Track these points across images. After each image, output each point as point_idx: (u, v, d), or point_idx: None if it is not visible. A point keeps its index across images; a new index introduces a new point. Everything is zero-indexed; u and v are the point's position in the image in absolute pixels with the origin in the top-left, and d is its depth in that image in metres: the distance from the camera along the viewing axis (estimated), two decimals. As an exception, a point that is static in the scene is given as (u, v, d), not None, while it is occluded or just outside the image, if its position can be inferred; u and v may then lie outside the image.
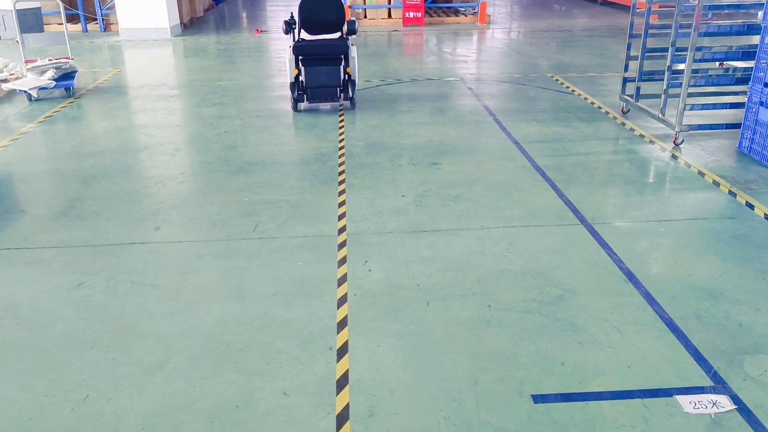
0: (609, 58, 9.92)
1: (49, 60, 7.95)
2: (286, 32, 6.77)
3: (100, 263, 3.85)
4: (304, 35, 7.15)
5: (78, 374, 2.86)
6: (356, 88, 7.17)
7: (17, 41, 11.52)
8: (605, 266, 3.75)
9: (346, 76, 6.92)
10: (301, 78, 6.79)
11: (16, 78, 8.01)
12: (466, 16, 14.46)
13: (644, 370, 2.86)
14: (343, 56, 6.82)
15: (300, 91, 6.83)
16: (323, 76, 6.76)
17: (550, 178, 5.05)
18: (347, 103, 7.09)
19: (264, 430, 2.54)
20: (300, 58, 6.73)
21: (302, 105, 7.04)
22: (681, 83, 5.67)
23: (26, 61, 8.00)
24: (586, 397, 2.71)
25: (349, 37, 6.98)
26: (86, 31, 13.40)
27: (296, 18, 6.91)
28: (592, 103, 7.27)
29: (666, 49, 5.98)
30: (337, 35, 7.14)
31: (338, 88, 6.84)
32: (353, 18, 6.88)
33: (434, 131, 6.30)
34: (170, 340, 3.10)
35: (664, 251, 3.92)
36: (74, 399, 2.71)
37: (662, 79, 6.02)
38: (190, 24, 14.21)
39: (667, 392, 2.72)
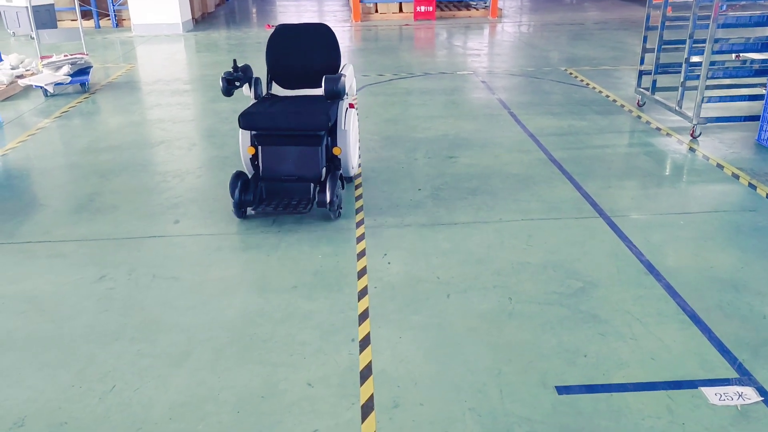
0: (622, 51, 9.86)
1: (64, 56, 8.00)
2: (226, 92, 4.25)
3: (121, 256, 3.87)
4: (278, 89, 4.73)
5: (104, 365, 2.89)
6: (353, 153, 4.55)
7: (31, 37, 11.62)
8: (625, 258, 3.73)
9: (332, 163, 4.37)
10: (259, 162, 4.28)
11: (32, 74, 8.06)
12: (477, 9, 14.41)
13: (668, 361, 2.86)
14: (323, 131, 4.19)
15: (247, 187, 4.15)
16: (289, 162, 4.18)
17: (567, 171, 5.04)
18: (330, 211, 4.21)
19: (290, 420, 2.56)
20: (252, 132, 4.23)
21: (253, 210, 4.21)
22: (698, 75, 5.63)
23: (42, 57, 8.05)
24: (610, 388, 2.71)
25: (343, 99, 4.38)
26: (99, 27, 13.45)
27: (251, 67, 4.52)
28: (607, 96, 7.23)
29: (682, 41, 5.94)
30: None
31: (313, 185, 4.14)
32: (342, 72, 4.34)
33: (449, 125, 6.29)
34: (194, 332, 3.12)
35: (685, 243, 3.90)
36: (101, 389, 2.73)
37: (678, 72, 5.98)
38: (202, 19, 14.24)
39: (692, 384, 2.72)
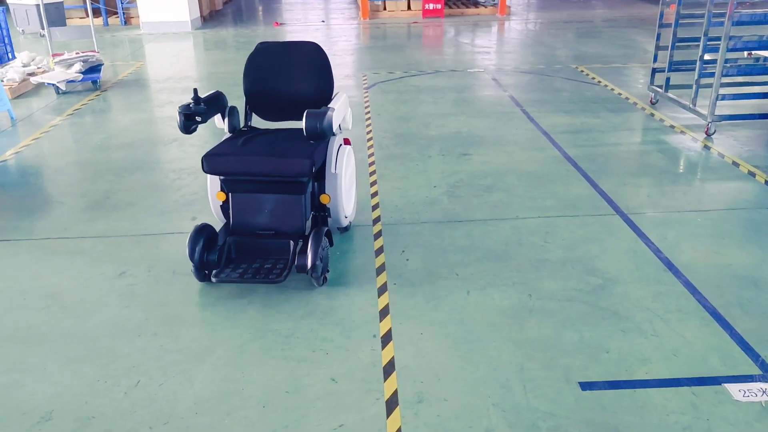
0: (633, 49, 9.84)
1: (76, 53, 8.03)
2: (185, 129, 3.51)
3: (139, 253, 3.89)
4: (262, 121, 4.02)
5: (128, 360, 2.90)
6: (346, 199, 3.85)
7: (41, 35, 11.66)
8: (644, 255, 3.73)
9: (320, 213, 3.72)
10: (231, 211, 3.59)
11: (44, 71, 8.09)
12: (486, 7, 14.39)
13: (691, 358, 2.86)
14: (307, 178, 3.43)
15: (213, 244, 3.44)
16: (265, 213, 3.51)
17: (582, 168, 5.04)
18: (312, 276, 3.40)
19: (315, 415, 2.57)
20: (221, 177, 3.53)
21: (214, 278, 3.35)
22: (712, 73, 5.62)
23: (53, 55, 8.07)
24: (633, 384, 2.71)
25: (337, 133, 3.64)
26: (107, 24, 13.48)
27: (222, 95, 3.85)
28: (619, 93, 7.22)
29: (696, 39, 5.94)
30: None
31: (293, 242, 3.39)
32: (330, 105, 3.49)
33: (461, 122, 6.29)
34: (215, 327, 3.14)
35: (703, 241, 3.90)
36: (126, 384, 2.75)
37: (691, 70, 5.97)
38: (210, 17, 14.26)
39: (716, 380, 2.72)
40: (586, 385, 2.71)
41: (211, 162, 3.43)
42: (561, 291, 3.39)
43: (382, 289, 3.45)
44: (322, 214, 3.71)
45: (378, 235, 4.05)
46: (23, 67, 8.07)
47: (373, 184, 4.83)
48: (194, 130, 3.57)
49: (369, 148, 5.61)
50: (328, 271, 3.50)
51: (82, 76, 7.68)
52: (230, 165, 3.42)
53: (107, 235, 4.12)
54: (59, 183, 5.01)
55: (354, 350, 2.96)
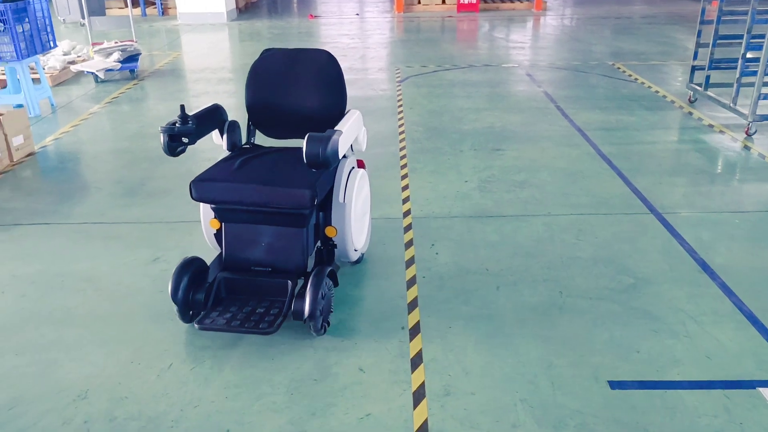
0: (671, 46, 9.65)
1: (115, 43, 8.18)
2: (170, 151, 3.02)
3: (173, 239, 3.96)
4: (264, 137, 3.57)
5: (160, 344, 2.96)
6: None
7: (81, 24, 11.90)
8: (678, 256, 3.67)
9: (325, 247, 3.30)
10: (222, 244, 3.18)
11: (83, 60, 8.25)
12: (521, 2, 14.25)
13: (724, 361, 2.81)
14: (309, 208, 2.94)
15: (200, 281, 3.04)
16: (261, 247, 3.10)
17: (616, 166, 4.97)
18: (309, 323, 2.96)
19: (342, 403, 2.59)
20: (212, 206, 3.09)
21: (197, 324, 2.91)
22: (754, 72, 5.49)
23: (93, 44, 8.23)
24: (664, 385, 2.67)
25: (348, 155, 3.38)
26: (145, 15, 13.70)
27: (215, 109, 3.37)
28: (657, 91, 7.10)
29: (738, 36, 5.80)
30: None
31: (291, 282, 2.97)
32: (337, 128, 3.00)
33: (495, 117, 6.25)
34: (246, 314, 3.18)
35: (740, 242, 3.82)
36: (159, 367, 2.81)
37: (733, 68, 5.84)
38: (245, 9, 14.40)
39: (750, 384, 2.67)
40: (615, 384, 2.68)
41: (200, 188, 2.99)
42: (592, 289, 3.36)
43: (411, 282, 3.46)
44: (329, 244, 3.28)
45: (408, 228, 4.05)
46: (64, 55, 8.25)
47: (404, 177, 4.83)
48: (182, 151, 3.06)
49: (401, 141, 5.61)
50: (328, 323, 3.05)
51: (120, 65, 7.83)
52: (220, 193, 2.97)
53: (142, 221, 4.20)
54: (97, 169, 5.12)
55: (382, 341, 2.97)
